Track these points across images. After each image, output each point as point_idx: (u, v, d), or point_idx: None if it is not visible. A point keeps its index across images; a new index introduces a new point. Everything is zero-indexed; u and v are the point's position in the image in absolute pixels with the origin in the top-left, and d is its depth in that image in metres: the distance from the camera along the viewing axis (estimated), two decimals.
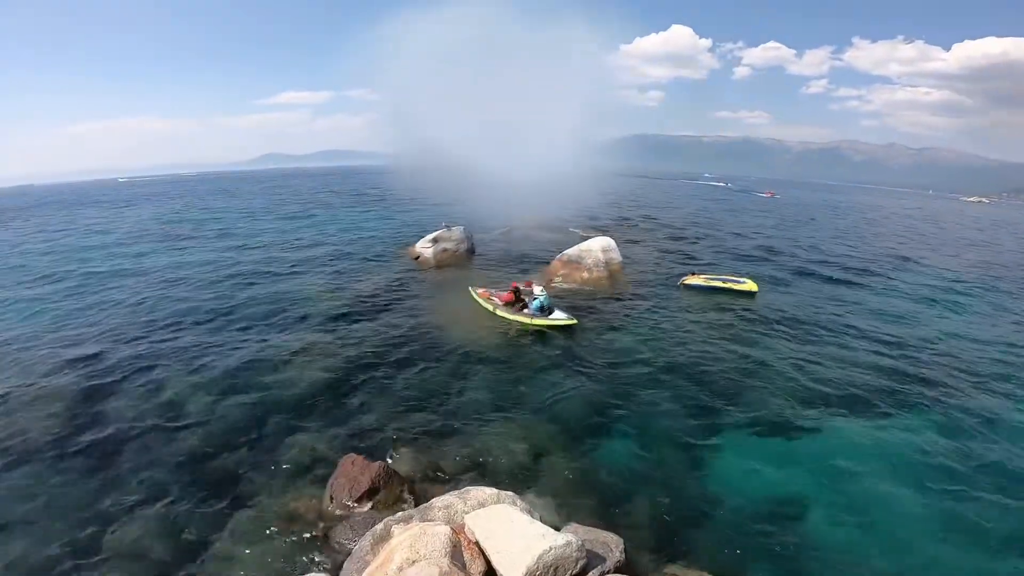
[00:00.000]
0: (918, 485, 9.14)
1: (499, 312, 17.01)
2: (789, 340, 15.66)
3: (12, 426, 10.29)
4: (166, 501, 8.26)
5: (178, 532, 7.62)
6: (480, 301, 17.77)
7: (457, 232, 25.15)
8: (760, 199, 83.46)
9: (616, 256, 22.65)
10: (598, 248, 22.45)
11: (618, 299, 19.24)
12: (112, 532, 7.61)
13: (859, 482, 9.16)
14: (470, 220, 28.71)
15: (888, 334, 16.46)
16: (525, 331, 15.76)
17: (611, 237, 24.15)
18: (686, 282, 21.23)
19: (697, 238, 34.53)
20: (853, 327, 17.00)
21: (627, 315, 17.53)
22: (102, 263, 25.00)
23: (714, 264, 25.69)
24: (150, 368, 12.91)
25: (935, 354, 15.05)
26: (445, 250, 24.27)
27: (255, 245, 29.39)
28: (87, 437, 9.97)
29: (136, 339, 14.81)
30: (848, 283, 23.36)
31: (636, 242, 31.06)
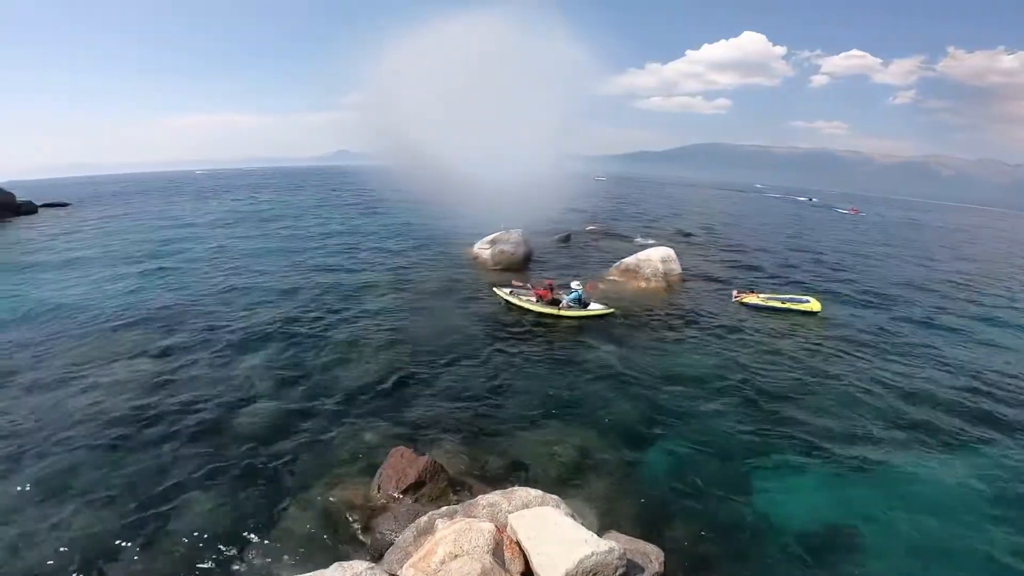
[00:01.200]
0: (984, 532, 8.35)
1: (535, 308, 17.31)
2: (853, 366, 14.63)
3: (86, 400, 11.16)
4: (223, 479, 8.68)
5: (230, 511, 7.97)
6: (510, 300, 18.01)
7: (515, 235, 25.27)
8: (841, 215, 74.82)
9: (676, 267, 22.07)
10: (657, 258, 21.97)
11: (675, 310, 18.71)
12: (169, 506, 8.04)
13: (919, 521, 8.48)
14: (525, 225, 28.70)
15: (968, 370, 14.94)
16: (577, 335, 15.63)
17: (671, 248, 23.55)
18: (741, 300, 20.10)
19: (766, 255, 32.58)
20: (932, 359, 15.62)
21: (683, 327, 17.01)
22: (174, 251, 26.79)
23: (778, 283, 24.28)
24: (219, 351, 13.73)
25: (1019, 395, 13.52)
26: (503, 252, 24.45)
27: (320, 240, 30.62)
28: (158, 413, 10.67)
29: (209, 323, 15.78)
30: (933, 312, 21.27)
31: (699, 255, 30.13)
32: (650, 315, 17.91)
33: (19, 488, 8.39)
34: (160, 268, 23.26)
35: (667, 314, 18.19)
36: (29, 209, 45.68)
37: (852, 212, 78.45)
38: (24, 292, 19.39)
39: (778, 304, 19.53)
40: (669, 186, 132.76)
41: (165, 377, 12.36)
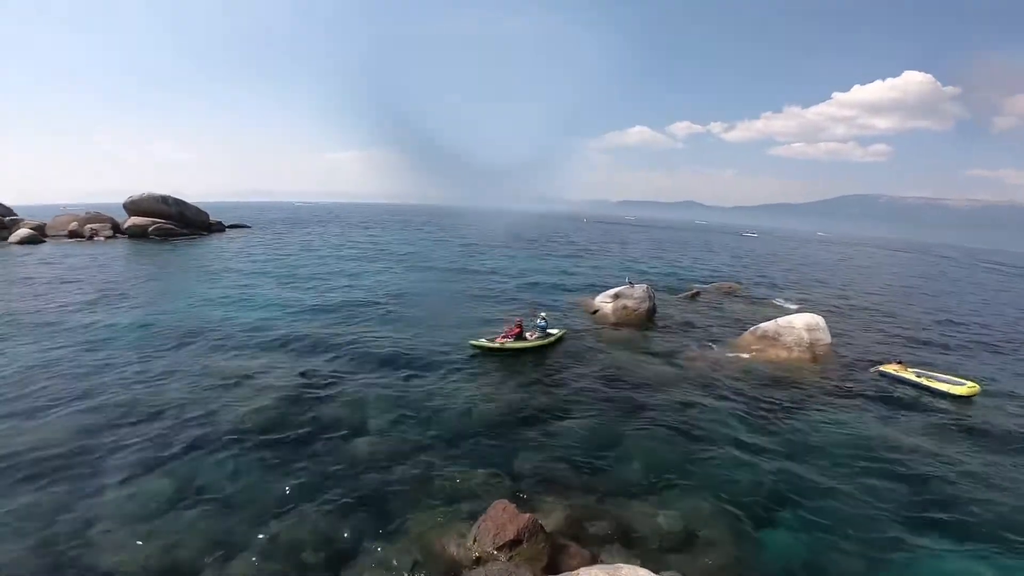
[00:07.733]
0: None
1: (510, 346, 17.85)
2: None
3: (219, 415, 12.18)
4: (331, 500, 8.99)
5: (331, 533, 8.16)
6: (486, 345, 17.87)
7: (640, 290, 24.25)
8: None
9: (824, 336, 19.60)
10: (801, 325, 19.72)
11: (820, 385, 16.46)
12: (273, 520, 8.39)
13: None
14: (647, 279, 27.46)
15: None
16: (698, 401, 14.35)
17: (819, 315, 20.91)
18: (882, 370, 17.78)
19: (944, 336, 26.02)
20: None
21: (821, 403, 14.97)
22: (331, 275, 29.88)
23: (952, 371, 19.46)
24: (345, 381, 14.63)
25: None
26: (626, 307, 23.46)
27: (437, 278, 32.22)
28: (279, 432, 11.38)
29: (352, 344, 17.32)
30: None
31: (855, 325, 26.15)
32: (787, 389, 15.95)
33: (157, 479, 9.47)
34: (319, 287, 26.12)
35: (808, 389, 16.08)
36: (219, 228, 55.17)
37: None
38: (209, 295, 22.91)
39: (922, 381, 16.72)
40: (816, 243, 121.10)
41: (306, 390, 13.56)
